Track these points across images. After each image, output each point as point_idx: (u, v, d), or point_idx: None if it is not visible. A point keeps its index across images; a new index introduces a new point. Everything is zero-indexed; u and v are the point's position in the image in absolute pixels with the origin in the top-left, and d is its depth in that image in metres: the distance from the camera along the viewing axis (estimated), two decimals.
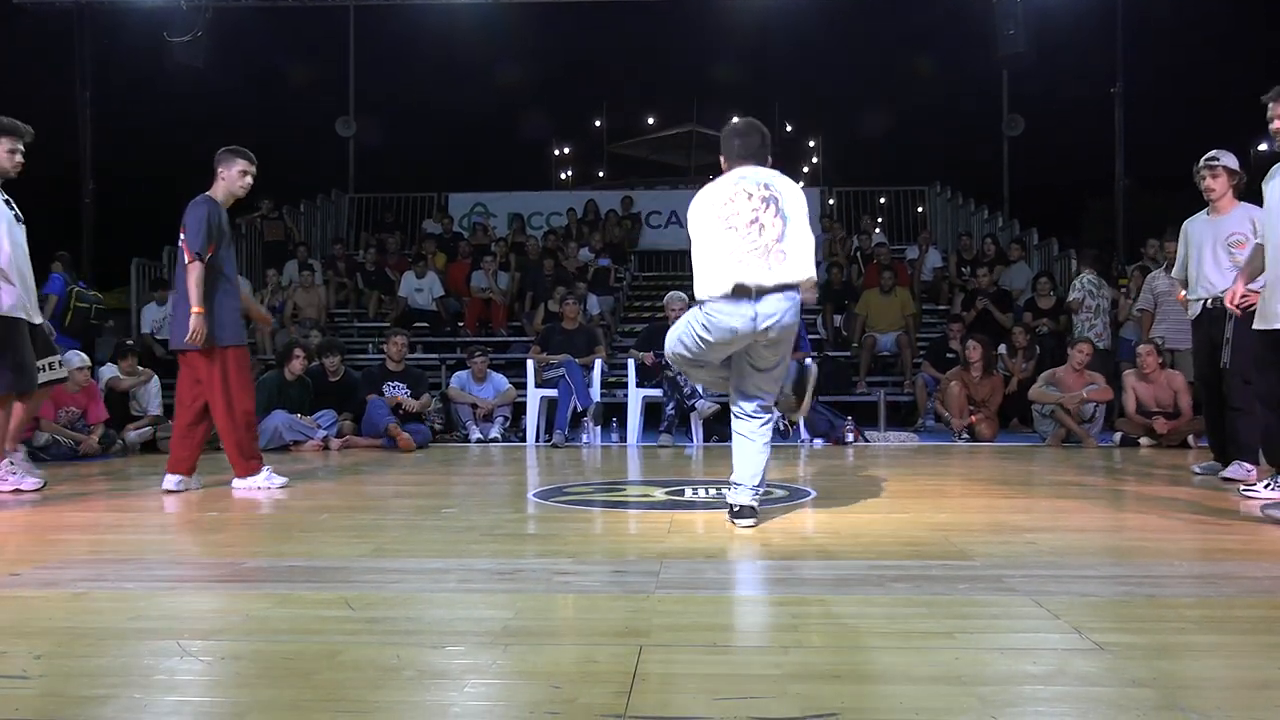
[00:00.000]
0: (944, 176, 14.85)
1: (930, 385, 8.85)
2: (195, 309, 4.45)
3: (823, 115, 27.70)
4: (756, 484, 3.47)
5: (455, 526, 3.48)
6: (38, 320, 4.65)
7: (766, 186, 3.38)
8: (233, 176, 4.64)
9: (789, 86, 27.99)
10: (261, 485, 4.62)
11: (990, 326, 9.61)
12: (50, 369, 4.91)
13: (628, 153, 26.46)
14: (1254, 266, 4.50)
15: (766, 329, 3.30)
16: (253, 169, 4.69)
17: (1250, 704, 1.54)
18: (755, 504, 3.46)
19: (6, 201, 4.57)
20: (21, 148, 4.55)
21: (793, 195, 3.42)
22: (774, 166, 3.60)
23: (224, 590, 2.46)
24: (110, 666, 1.77)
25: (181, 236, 4.54)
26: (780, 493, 4.35)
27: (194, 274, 4.47)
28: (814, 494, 4.28)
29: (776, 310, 3.30)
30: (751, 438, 3.52)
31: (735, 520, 3.42)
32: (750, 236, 3.34)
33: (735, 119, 3.72)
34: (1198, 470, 5.16)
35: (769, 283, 3.29)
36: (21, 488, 4.58)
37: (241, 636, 1.98)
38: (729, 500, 3.50)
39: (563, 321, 8.62)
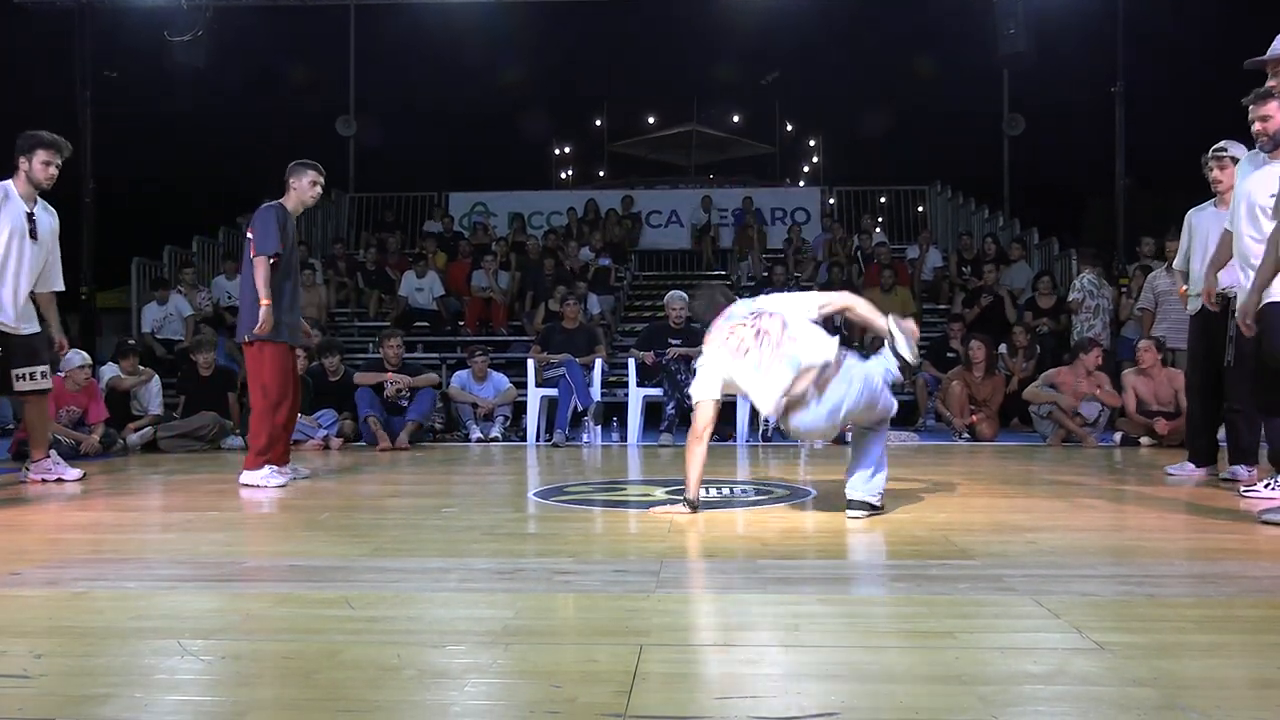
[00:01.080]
0: (944, 176, 14.86)
1: (931, 385, 8.84)
2: (264, 301, 4.69)
3: (823, 115, 27.68)
4: (872, 485, 3.56)
5: (455, 526, 3.48)
6: (24, 330, 4.79)
7: (753, 314, 3.59)
8: (303, 187, 4.91)
9: (789, 86, 27.95)
10: (259, 483, 4.64)
11: (990, 326, 9.61)
12: (29, 379, 4.85)
13: (628, 152, 26.45)
14: (1221, 257, 4.50)
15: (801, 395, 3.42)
16: (321, 179, 4.98)
17: (1250, 704, 1.54)
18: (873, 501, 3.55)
19: (30, 215, 4.75)
20: (58, 161, 4.77)
21: (781, 299, 3.71)
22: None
23: (224, 589, 2.46)
24: (111, 666, 1.77)
25: (249, 237, 4.80)
26: (780, 491, 4.36)
27: (261, 268, 4.70)
28: (814, 493, 4.28)
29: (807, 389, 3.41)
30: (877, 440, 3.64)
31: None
32: (751, 359, 3.52)
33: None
34: (1171, 471, 5.12)
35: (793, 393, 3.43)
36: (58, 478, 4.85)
37: (242, 636, 1.98)
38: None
39: (563, 321, 8.62)
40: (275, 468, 4.76)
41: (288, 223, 4.85)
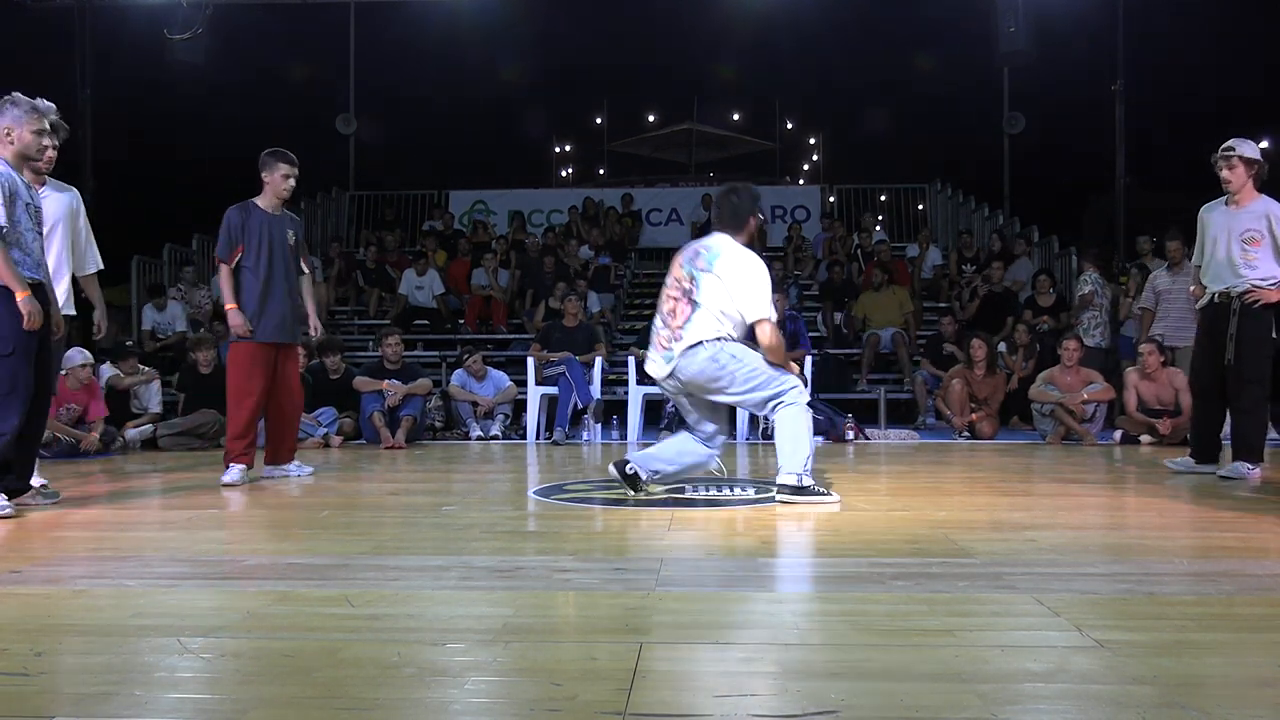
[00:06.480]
0: (944, 174, 14.86)
1: (931, 383, 8.84)
2: (227, 305, 4.84)
3: (823, 112, 27.72)
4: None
5: (455, 524, 3.48)
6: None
7: (691, 278, 3.91)
8: (275, 181, 4.90)
9: (790, 84, 28.02)
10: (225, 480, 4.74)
11: (989, 324, 9.61)
12: None
13: (628, 150, 26.45)
14: None
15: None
16: (294, 171, 4.95)
17: (1250, 702, 1.54)
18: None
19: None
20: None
21: (718, 273, 3.86)
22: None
23: (224, 587, 2.46)
24: (111, 664, 1.77)
25: None
26: None
27: (222, 275, 4.89)
28: None
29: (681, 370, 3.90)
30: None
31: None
32: (659, 324, 4.03)
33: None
34: (1171, 466, 5.11)
35: (660, 374, 4.01)
36: None
37: (242, 634, 1.98)
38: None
39: (563, 319, 8.61)
40: (240, 467, 4.79)
41: (249, 221, 4.83)
